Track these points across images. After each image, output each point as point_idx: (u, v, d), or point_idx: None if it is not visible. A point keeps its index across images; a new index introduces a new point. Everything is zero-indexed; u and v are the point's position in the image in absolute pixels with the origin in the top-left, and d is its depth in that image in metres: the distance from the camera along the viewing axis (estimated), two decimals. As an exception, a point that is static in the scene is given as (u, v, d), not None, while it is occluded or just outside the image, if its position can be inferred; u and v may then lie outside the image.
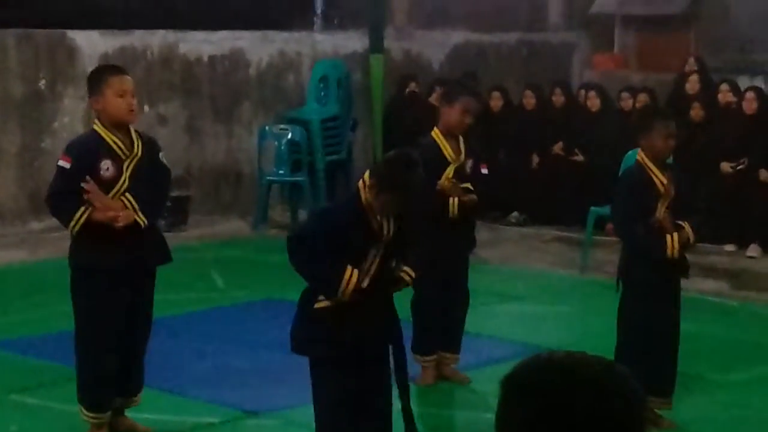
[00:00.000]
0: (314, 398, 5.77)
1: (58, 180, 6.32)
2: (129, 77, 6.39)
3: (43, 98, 12.34)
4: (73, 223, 6.22)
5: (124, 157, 6.24)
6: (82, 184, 6.16)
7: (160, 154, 6.54)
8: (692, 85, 12.93)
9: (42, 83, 12.34)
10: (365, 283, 5.52)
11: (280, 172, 13.04)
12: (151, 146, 6.47)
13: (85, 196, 6.17)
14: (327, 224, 5.62)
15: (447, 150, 7.50)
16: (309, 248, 5.56)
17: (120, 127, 6.27)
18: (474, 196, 7.45)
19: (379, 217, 5.54)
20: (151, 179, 6.40)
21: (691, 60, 13.61)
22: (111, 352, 6.32)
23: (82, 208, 6.17)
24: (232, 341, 8.54)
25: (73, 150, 6.34)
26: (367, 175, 5.62)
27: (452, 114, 7.51)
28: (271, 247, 11.81)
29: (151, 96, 12.90)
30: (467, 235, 7.70)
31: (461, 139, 7.57)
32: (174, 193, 12.65)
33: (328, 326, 5.58)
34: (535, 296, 10.13)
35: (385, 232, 5.56)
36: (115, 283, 6.26)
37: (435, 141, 7.52)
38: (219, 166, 13.57)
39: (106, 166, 6.22)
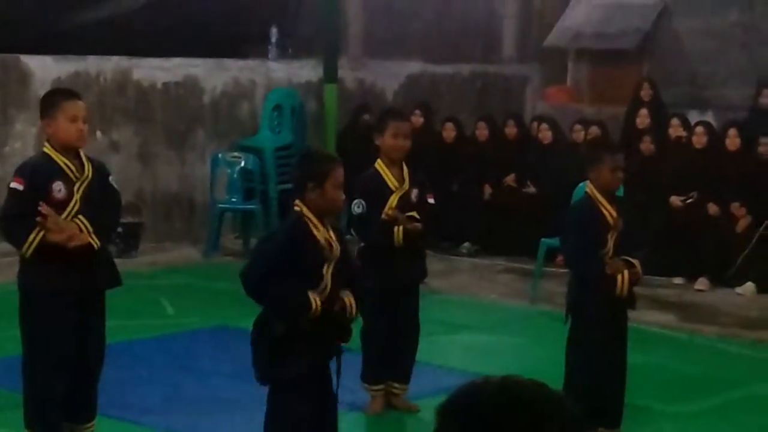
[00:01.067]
0: (272, 424, 5.78)
1: (10, 202, 6.28)
2: (82, 102, 6.41)
3: (-6, 123, 12.28)
4: (26, 246, 6.18)
5: (75, 180, 6.24)
6: (39, 207, 6.13)
7: (110, 178, 6.53)
8: (642, 119, 13.04)
9: (-6, 108, 12.28)
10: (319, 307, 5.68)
11: (233, 199, 13.03)
12: (100, 169, 6.47)
13: (39, 219, 6.12)
14: (276, 247, 5.69)
15: (389, 179, 7.49)
16: (263, 280, 5.61)
17: (70, 150, 6.30)
18: (418, 225, 7.44)
19: (323, 227, 5.75)
20: (102, 202, 6.39)
21: (646, 84, 13.70)
22: (59, 376, 6.26)
23: (36, 231, 6.14)
24: (183, 369, 8.50)
25: (25, 172, 6.31)
26: (297, 201, 5.78)
27: (385, 141, 7.53)
28: (223, 275, 11.77)
29: (104, 122, 12.86)
30: (418, 264, 7.69)
31: (405, 168, 7.55)
32: (126, 220, 12.59)
33: (293, 347, 5.67)
34: (486, 326, 10.15)
35: (333, 244, 5.72)
36: (64, 306, 6.22)
37: (377, 171, 7.53)
38: (171, 193, 13.54)
39: (59, 188, 6.21)
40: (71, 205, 6.23)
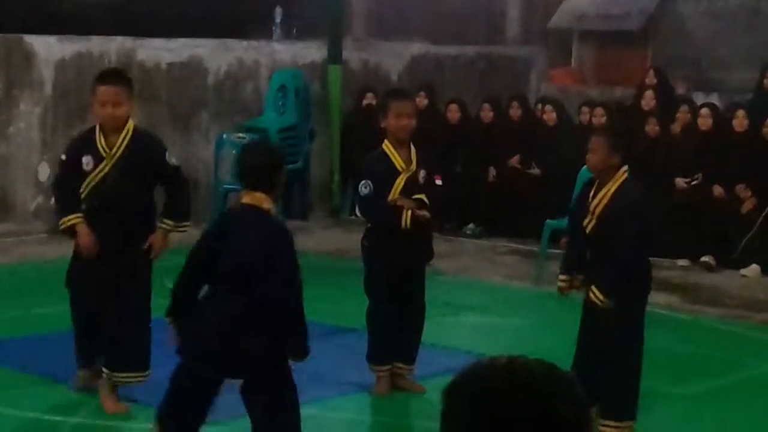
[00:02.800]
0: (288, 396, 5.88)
1: (57, 171, 7.31)
2: (108, 87, 6.97)
3: (-2, 102, 12.27)
4: (60, 224, 7.06)
5: (104, 155, 6.93)
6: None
7: (167, 155, 7.19)
8: (647, 101, 13.02)
9: (-2, 87, 12.27)
10: None
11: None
12: (144, 148, 7.06)
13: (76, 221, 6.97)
14: None
15: (397, 160, 7.46)
16: None
17: (110, 129, 6.97)
18: (426, 213, 7.41)
19: None
20: (143, 177, 7.04)
21: (651, 73, 13.71)
22: (91, 319, 7.07)
23: (73, 219, 6.96)
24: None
25: (68, 145, 7.31)
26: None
27: (389, 123, 7.50)
28: (227, 256, 11.79)
29: (108, 102, 12.83)
30: (424, 246, 7.67)
31: (413, 149, 7.52)
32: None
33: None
34: (490, 308, 10.16)
35: None
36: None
37: (384, 151, 7.50)
38: (175, 174, 13.51)
39: (87, 161, 6.94)
40: (94, 174, 6.93)
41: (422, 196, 7.44)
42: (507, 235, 12.99)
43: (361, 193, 7.52)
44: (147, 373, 7.10)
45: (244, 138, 13.15)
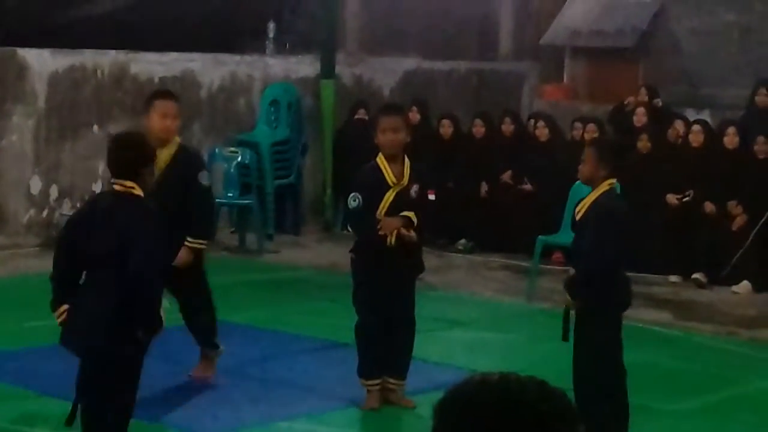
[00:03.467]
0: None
1: None
2: (169, 102, 7.78)
3: (-9, 116, 12.26)
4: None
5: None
6: None
7: (200, 174, 7.69)
8: (639, 117, 13.05)
9: (-9, 100, 12.26)
10: None
11: (229, 194, 13.01)
12: (183, 163, 7.64)
13: None
14: None
15: (388, 174, 7.44)
16: None
17: (159, 141, 7.39)
18: (412, 234, 7.37)
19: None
20: (176, 193, 7.51)
21: (642, 90, 13.77)
22: None
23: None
24: (177, 362, 8.49)
25: None
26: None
27: (378, 138, 7.52)
28: (218, 269, 11.76)
29: (101, 116, 12.85)
30: (413, 259, 7.63)
31: (407, 163, 7.51)
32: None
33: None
34: (482, 323, 10.16)
35: None
36: None
37: (377, 164, 7.50)
38: (168, 188, 13.51)
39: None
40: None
41: (411, 214, 7.39)
42: (499, 251, 13.00)
43: (350, 206, 7.51)
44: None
45: (236, 152, 13.17)
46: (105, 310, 5.76)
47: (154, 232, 5.85)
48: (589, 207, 6.81)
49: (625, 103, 13.83)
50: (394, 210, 7.39)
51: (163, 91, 8.31)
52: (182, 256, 7.69)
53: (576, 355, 6.80)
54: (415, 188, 7.47)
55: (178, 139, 7.78)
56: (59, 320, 5.98)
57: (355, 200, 7.46)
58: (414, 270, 7.71)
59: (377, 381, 7.62)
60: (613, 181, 6.85)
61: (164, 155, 7.45)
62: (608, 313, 6.84)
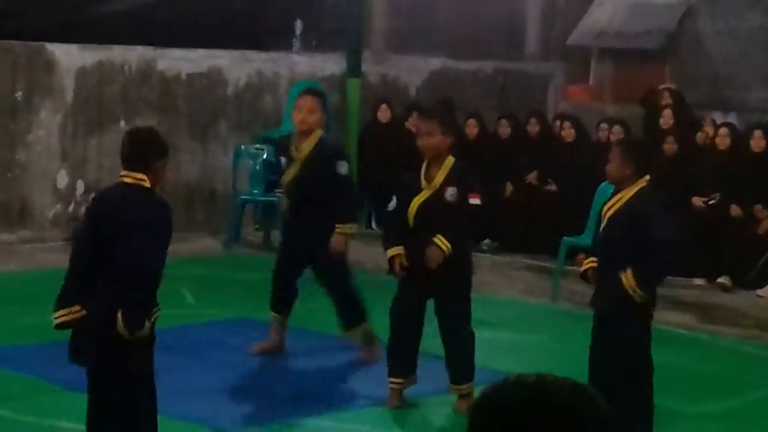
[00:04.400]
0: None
1: None
2: (308, 96, 8.52)
3: (19, 110, 12.32)
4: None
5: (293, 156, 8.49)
6: None
7: (339, 163, 8.46)
8: (666, 120, 13.02)
9: (19, 95, 12.31)
10: None
11: (255, 191, 13.04)
12: (323, 153, 8.41)
13: None
14: None
15: (423, 175, 7.42)
16: None
17: (299, 132, 8.49)
18: (400, 273, 7.47)
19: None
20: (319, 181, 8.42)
21: (666, 93, 13.73)
22: None
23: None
24: (202, 359, 8.53)
25: None
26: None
27: (417, 142, 7.54)
28: (243, 266, 11.81)
29: (127, 111, 12.90)
30: (449, 269, 7.43)
31: (445, 165, 7.40)
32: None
33: None
34: (506, 324, 10.14)
35: None
36: None
37: (420, 166, 7.53)
38: (193, 184, 13.57)
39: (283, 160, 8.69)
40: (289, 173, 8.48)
41: (440, 241, 7.28)
42: (523, 251, 12.99)
43: (388, 207, 7.58)
44: None
45: (262, 149, 13.19)
46: (103, 310, 5.69)
47: (158, 228, 5.78)
48: (626, 203, 6.79)
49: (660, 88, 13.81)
50: (424, 212, 7.34)
51: (306, 88, 9.21)
52: (336, 241, 8.28)
53: (608, 350, 6.77)
54: (451, 191, 7.34)
55: (319, 132, 8.39)
56: (60, 321, 5.85)
57: (392, 200, 7.49)
58: (450, 277, 7.49)
59: (399, 380, 7.60)
60: (647, 178, 6.86)
61: (305, 146, 8.33)
62: (644, 315, 6.86)
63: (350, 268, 8.71)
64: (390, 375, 7.63)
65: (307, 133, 8.37)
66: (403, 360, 7.61)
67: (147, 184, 5.82)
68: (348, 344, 8.92)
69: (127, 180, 5.85)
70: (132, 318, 5.67)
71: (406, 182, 7.51)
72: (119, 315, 5.62)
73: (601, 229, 6.94)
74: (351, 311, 8.55)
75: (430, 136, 7.43)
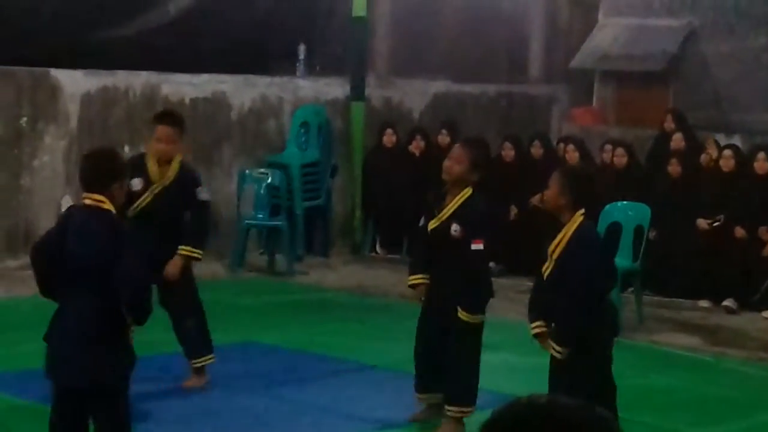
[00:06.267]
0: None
1: None
2: (164, 127, 8.31)
3: (24, 136, 12.34)
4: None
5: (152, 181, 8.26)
6: None
7: (198, 189, 8.39)
8: (677, 142, 12.99)
9: (23, 121, 12.34)
10: None
11: (259, 215, 13.04)
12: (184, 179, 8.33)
13: None
14: None
15: (439, 204, 7.39)
16: None
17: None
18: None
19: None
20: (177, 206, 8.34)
21: (669, 117, 13.73)
22: None
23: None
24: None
25: None
26: None
27: None
28: (248, 290, 11.81)
29: (132, 136, 12.90)
30: (456, 300, 7.45)
31: (458, 198, 7.32)
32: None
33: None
34: (511, 346, 10.12)
35: None
36: None
37: (428, 188, 7.55)
38: (197, 209, 13.54)
39: (137, 183, 8.18)
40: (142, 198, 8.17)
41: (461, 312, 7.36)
42: (528, 274, 12.93)
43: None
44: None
45: (266, 174, 13.21)
46: (92, 338, 5.76)
47: (132, 246, 5.85)
48: (569, 241, 6.71)
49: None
50: (436, 238, 7.34)
51: (160, 115, 8.79)
52: (174, 263, 8.14)
53: (556, 388, 6.67)
54: (455, 227, 7.26)
55: (179, 157, 8.36)
56: None
57: (423, 218, 7.51)
58: (456, 302, 7.43)
59: (422, 395, 7.65)
60: (582, 211, 6.76)
61: (169, 173, 8.23)
62: (597, 346, 6.74)
63: (197, 299, 8.50)
64: (416, 390, 7.64)
65: (167, 162, 8.30)
66: (425, 379, 7.60)
67: (106, 206, 5.84)
68: (351, 367, 8.91)
69: (86, 201, 5.90)
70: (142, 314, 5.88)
71: (430, 200, 7.50)
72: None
73: (547, 269, 6.78)
74: (198, 341, 8.42)
75: (457, 163, 7.34)
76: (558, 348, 6.60)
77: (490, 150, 13.61)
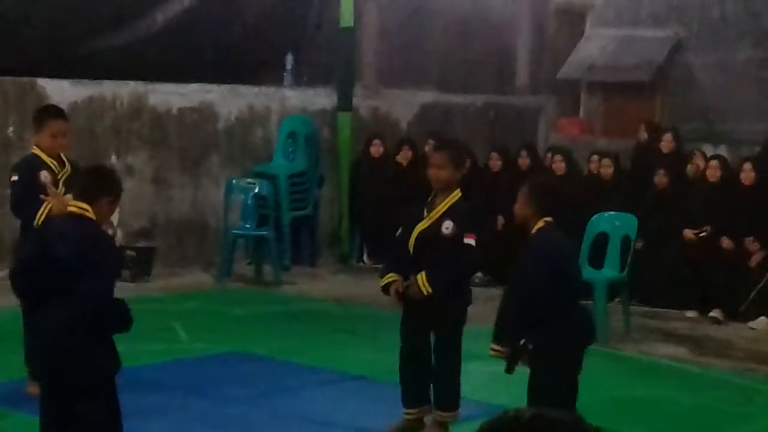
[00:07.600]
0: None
1: None
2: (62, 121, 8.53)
3: (10, 145, 12.32)
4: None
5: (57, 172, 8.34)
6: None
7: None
8: (666, 144, 13.06)
9: (10, 130, 12.32)
10: None
11: (246, 225, 13.04)
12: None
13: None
14: None
15: (427, 204, 7.43)
16: None
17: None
18: (417, 292, 7.33)
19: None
20: None
21: (642, 127, 13.87)
22: None
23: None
24: (195, 393, 8.50)
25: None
26: None
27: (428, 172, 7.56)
28: (235, 300, 11.79)
29: (119, 146, 12.90)
30: (439, 305, 7.47)
31: (449, 199, 7.39)
32: (139, 244, 12.64)
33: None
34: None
35: None
36: None
37: (414, 198, 7.53)
38: (185, 219, 13.56)
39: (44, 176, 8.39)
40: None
41: (422, 280, 7.27)
42: (515, 284, 12.95)
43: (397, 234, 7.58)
44: None
45: (253, 183, 13.20)
46: (72, 338, 5.75)
47: (108, 261, 5.87)
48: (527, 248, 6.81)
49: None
50: (422, 241, 7.36)
51: (53, 110, 8.88)
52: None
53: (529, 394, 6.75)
54: (447, 224, 7.32)
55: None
56: None
57: (399, 229, 7.49)
58: (440, 315, 7.52)
59: (410, 411, 7.60)
60: (549, 219, 6.81)
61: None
62: (563, 353, 6.77)
63: None
64: (403, 406, 7.61)
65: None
66: (413, 391, 7.58)
67: (89, 214, 5.85)
68: (339, 378, 8.89)
69: (72, 209, 5.93)
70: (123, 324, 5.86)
71: (413, 212, 7.51)
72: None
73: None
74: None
75: (440, 169, 7.41)
76: (497, 347, 6.70)
77: (462, 145, 13.66)
